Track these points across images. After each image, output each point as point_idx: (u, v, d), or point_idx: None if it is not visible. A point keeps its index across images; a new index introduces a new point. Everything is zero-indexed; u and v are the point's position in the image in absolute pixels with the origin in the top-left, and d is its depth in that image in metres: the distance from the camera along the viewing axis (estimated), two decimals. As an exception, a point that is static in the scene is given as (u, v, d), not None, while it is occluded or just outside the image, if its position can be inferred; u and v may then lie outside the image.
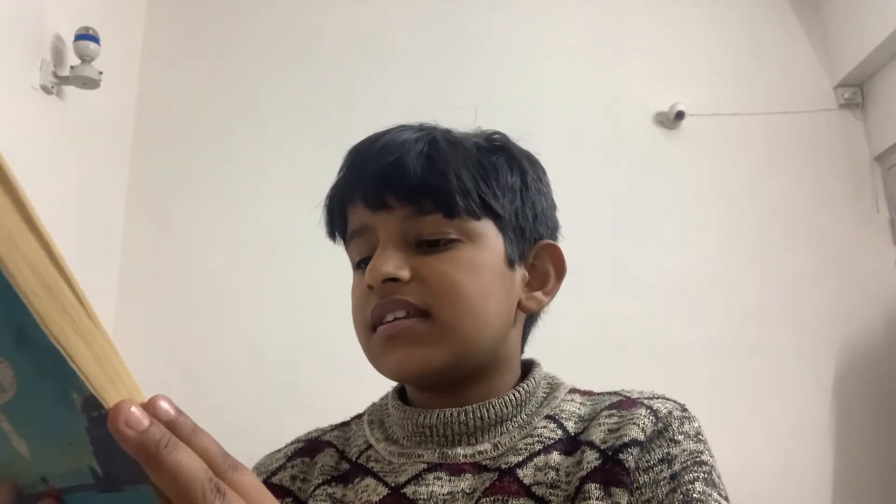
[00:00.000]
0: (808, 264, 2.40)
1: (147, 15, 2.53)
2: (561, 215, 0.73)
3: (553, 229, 0.72)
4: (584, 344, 2.15)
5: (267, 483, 0.68)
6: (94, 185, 2.18)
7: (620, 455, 0.59)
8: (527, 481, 0.60)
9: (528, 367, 0.71)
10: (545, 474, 0.60)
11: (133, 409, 0.31)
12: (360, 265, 0.66)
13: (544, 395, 0.68)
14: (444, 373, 0.63)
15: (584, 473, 0.58)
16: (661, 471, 0.58)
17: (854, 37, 2.47)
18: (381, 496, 0.62)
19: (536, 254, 0.69)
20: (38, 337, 0.29)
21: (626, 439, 0.59)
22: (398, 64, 2.51)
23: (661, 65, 2.58)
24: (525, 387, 0.66)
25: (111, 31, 2.13)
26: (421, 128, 0.67)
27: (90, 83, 1.94)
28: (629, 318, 2.32)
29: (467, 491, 0.60)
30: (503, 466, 0.61)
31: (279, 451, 0.73)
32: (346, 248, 0.69)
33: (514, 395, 0.65)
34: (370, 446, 0.67)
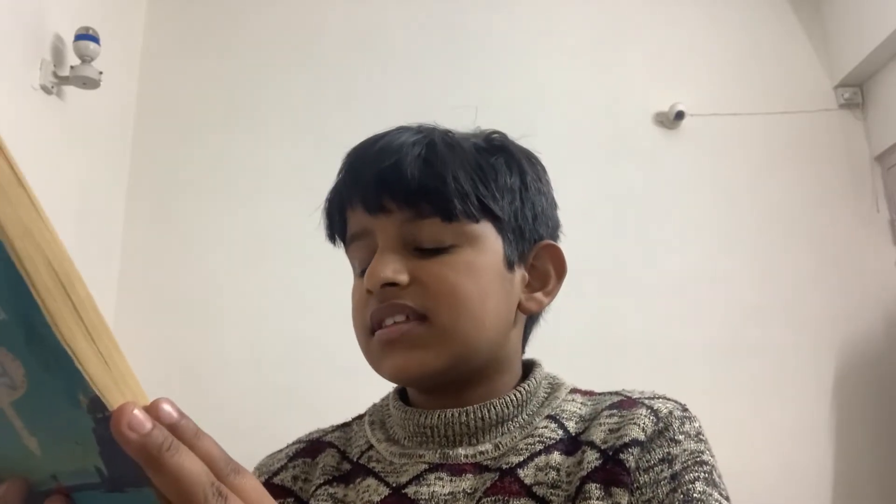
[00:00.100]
0: (808, 264, 2.40)
1: (147, 15, 2.53)
2: (561, 215, 0.73)
3: (554, 228, 0.71)
4: (584, 344, 2.15)
5: (268, 483, 0.68)
6: (94, 185, 2.18)
7: (621, 455, 0.59)
8: (528, 481, 0.60)
9: (529, 368, 0.71)
10: (546, 474, 0.60)
11: (136, 411, 0.30)
12: (362, 274, 0.66)
13: (545, 396, 0.68)
14: (443, 375, 0.63)
15: (584, 473, 0.59)
16: (662, 471, 0.58)
17: (854, 37, 2.47)
18: (383, 496, 0.62)
19: (536, 254, 0.68)
20: (47, 335, 0.29)
21: (626, 439, 0.59)
22: (398, 64, 2.51)
23: (661, 65, 2.58)
24: (526, 387, 0.66)
25: (111, 31, 2.13)
26: (420, 129, 0.66)
27: (90, 83, 1.94)
28: (629, 318, 2.32)
29: (468, 491, 0.60)
30: (504, 466, 0.61)
31: (280, 451, 0.73)
32: (347, 251, 0.69)
33: (514, 395, 0.65)
34: (371, 447, 0.68)
